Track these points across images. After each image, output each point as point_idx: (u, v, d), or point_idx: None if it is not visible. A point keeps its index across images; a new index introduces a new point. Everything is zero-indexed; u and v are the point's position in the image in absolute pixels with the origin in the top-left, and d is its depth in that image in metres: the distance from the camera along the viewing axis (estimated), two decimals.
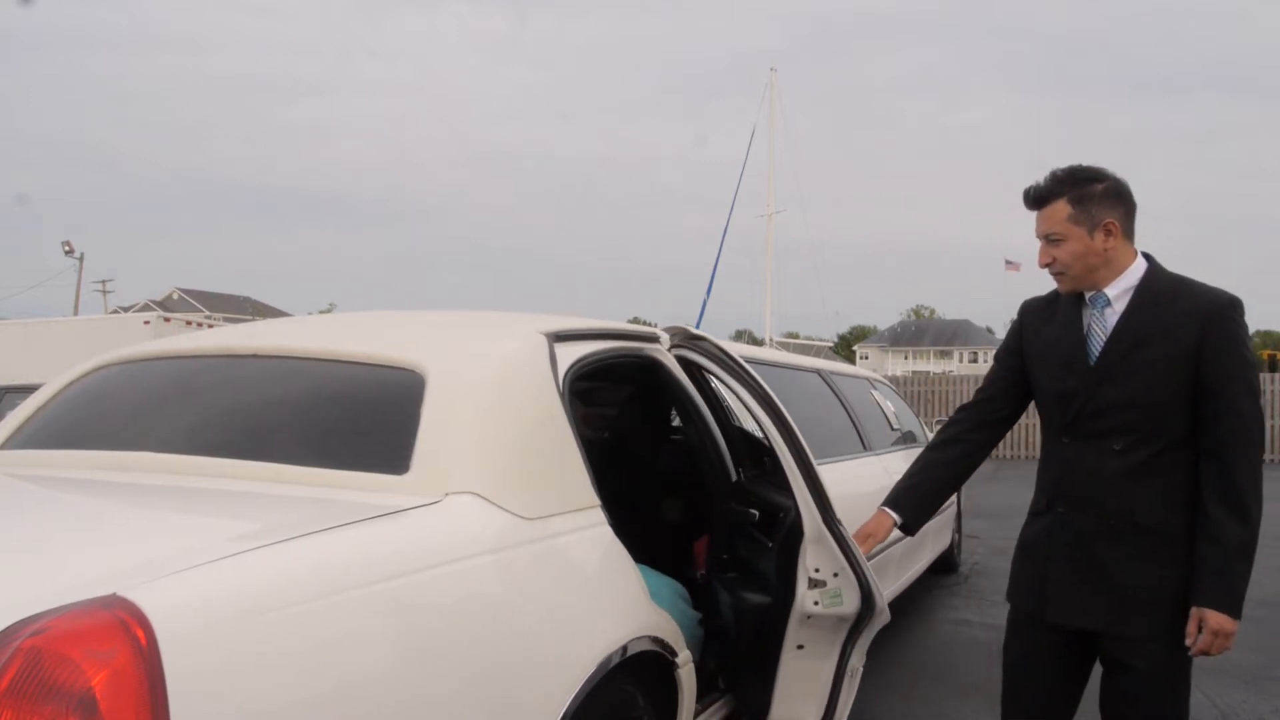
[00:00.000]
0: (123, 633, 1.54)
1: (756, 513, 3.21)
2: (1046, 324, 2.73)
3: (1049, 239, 2.60)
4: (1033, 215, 2.65)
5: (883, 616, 3.06)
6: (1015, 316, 2.90)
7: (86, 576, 1.65)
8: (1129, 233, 2.60)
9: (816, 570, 2.96)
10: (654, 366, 3.34)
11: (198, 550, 1.79)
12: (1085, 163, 2.61)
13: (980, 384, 2.99)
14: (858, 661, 3.18)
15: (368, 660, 1.87)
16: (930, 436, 7.63)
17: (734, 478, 3.52)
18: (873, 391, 6.68)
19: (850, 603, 3.00)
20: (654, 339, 3.41)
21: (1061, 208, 2.57)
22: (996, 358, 2.97)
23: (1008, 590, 2.82)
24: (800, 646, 3.08)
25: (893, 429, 6.63)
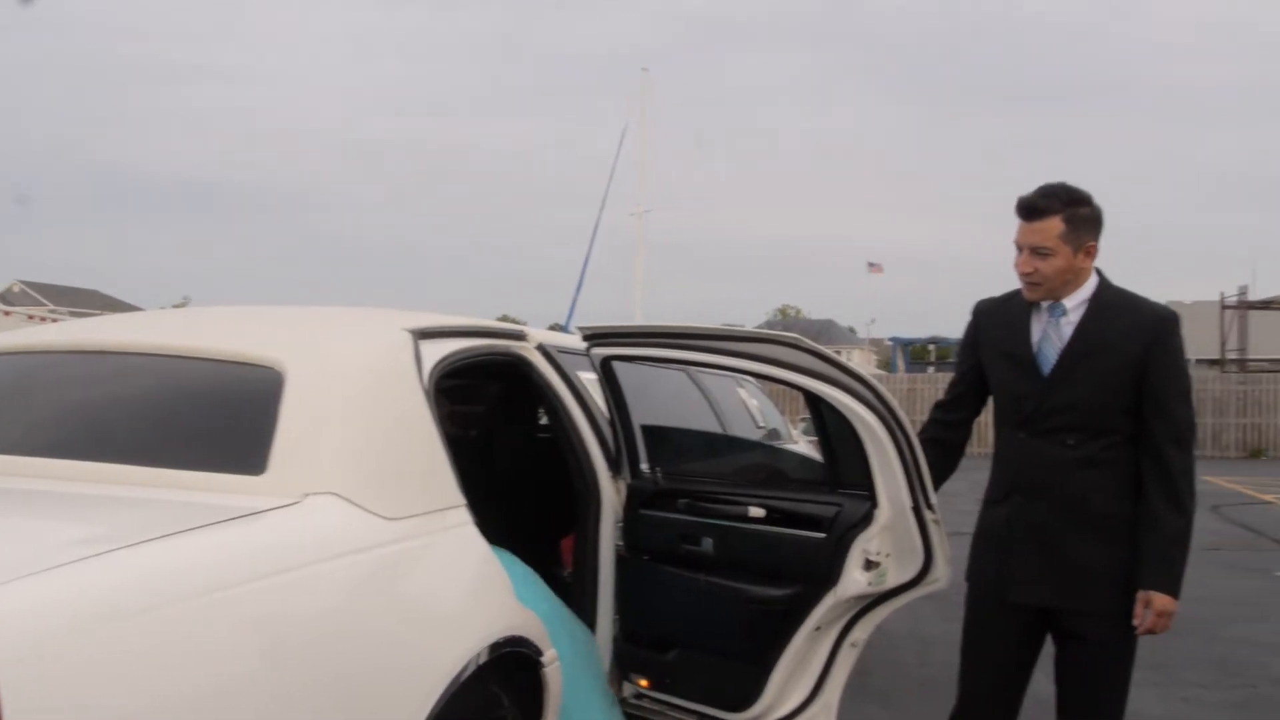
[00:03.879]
0: None
1: (762, 510, 3.21)
2: (999, 325, 2.93)
3: (1036, 251, 2.75)
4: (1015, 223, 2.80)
5: (938, 585, 3.08)
6: (970, 316, 3.07)
7: None
8: (1097, 254, 2.82)
9: (877, 553, 3.01)
10: (521, 364, 3.33)
11: (35, 557, 1.71)
12: (1070, 183, 2.79)
13: (950, 381, 3.17)
14: (862, 633, 3.19)
15: (222, 668, 1.82)
16: (794, 435, 7.81)
17: (622, 475, 3.48)
18: (738, 390, 6.77)
19: (895, 579, 3.06)
20: (521, 336, 3.39)
21: (1055, 224, 2.73)
22: (958, 356, 3.19)
23: (967, 572, 3.00)
24: (818, 628, 3.13)
25: (758, 426, 6.74)
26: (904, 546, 3.02)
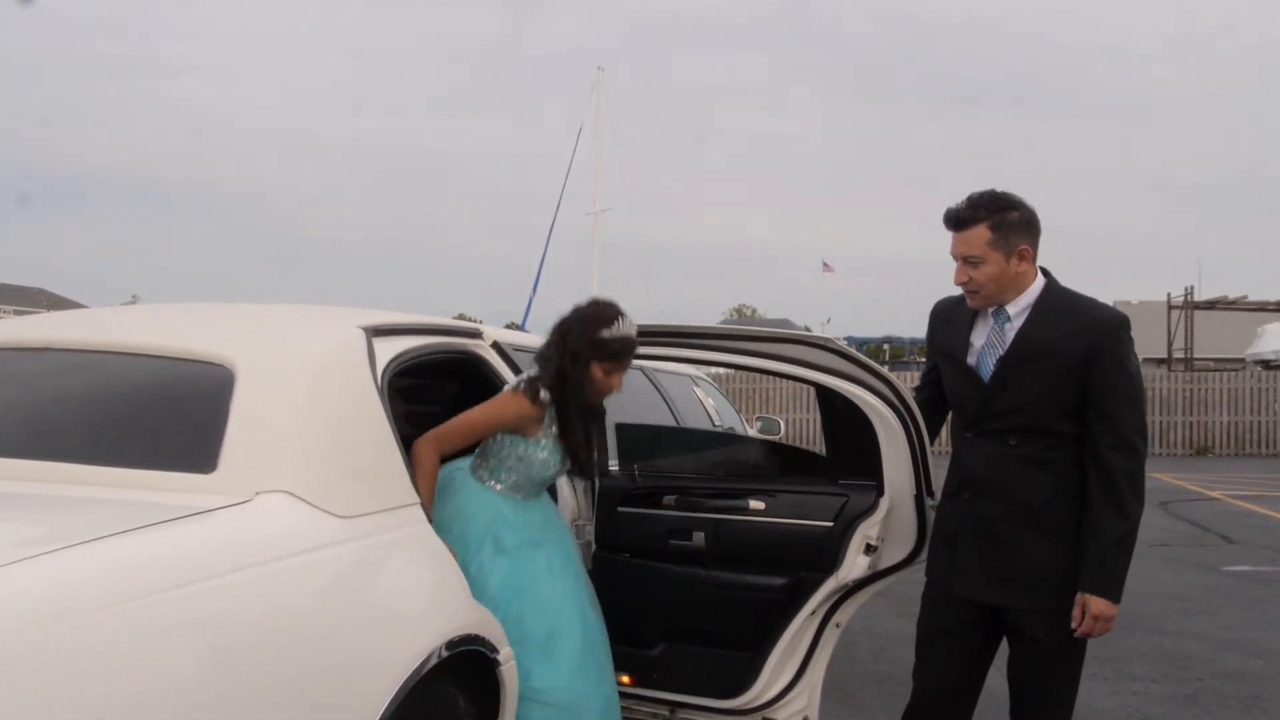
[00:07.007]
0: None
1: (762, 504, 3.32)
2: (948, 325, 2.97)
3: (968, 260, 2.77)
4: (949, 235, 2.82)
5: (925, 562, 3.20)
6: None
7: None
8: (1036, 257, 2.81)
9: (877, 538, 3.14)
10: (477, 363, 3.31)
11: None
12: (1000, 189, 2.80)
13: (922, 373, 3.27)
14: (845, 615, 3.32)
15: (171, 671, 1.79)
16: (750, 434, 7.83)
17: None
18: (695, 389, 6.79)
19: (887, 561, 3.20)
20: (477, 334, 3.37)
21: (982, 233, 2.74)
22: (926, 354, 3.25)
23: (925, 566, 3.06)
24: (813, 612, 3.23)
25: (714, 426, 6.75)
26: (899, 531, 3.15)
